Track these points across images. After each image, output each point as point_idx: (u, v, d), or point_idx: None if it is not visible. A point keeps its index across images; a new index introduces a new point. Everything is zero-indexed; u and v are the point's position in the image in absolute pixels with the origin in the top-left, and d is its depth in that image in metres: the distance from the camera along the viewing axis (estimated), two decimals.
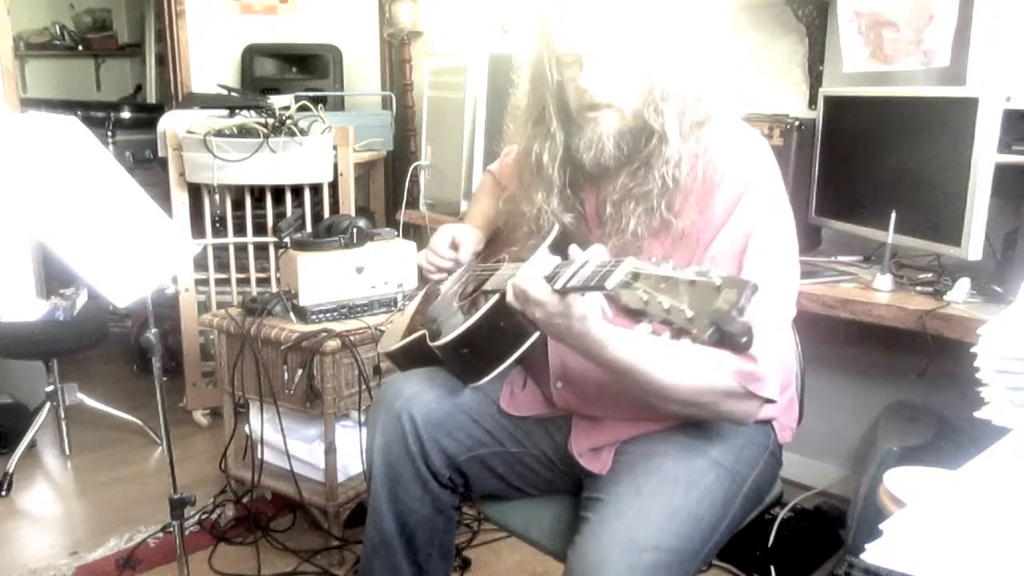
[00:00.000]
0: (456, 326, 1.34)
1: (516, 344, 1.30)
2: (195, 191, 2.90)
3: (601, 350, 1.15)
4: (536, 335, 1.28)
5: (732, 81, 1.34)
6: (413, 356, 1.51)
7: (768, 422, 1.41)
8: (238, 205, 2.92)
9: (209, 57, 3.46)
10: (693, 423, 1.34)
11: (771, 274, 1.22)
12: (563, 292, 1.08)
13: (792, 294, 1.30)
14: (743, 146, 1.28)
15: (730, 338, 0.90)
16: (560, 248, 1.34)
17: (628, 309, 0.97)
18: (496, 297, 1.29)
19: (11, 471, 2.65)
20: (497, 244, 1.57)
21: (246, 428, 2.36)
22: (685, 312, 0.91)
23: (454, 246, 1.53)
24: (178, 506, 1.82)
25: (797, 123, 2.20)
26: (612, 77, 1.23)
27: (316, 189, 2.91)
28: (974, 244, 1.80)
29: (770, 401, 1.23)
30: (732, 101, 1.32)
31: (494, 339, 1.31)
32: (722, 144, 1.26)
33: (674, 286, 0.93)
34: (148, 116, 4.52)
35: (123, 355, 3.72)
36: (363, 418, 2.22)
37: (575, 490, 1.42)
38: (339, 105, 3.51)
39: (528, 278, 1.11)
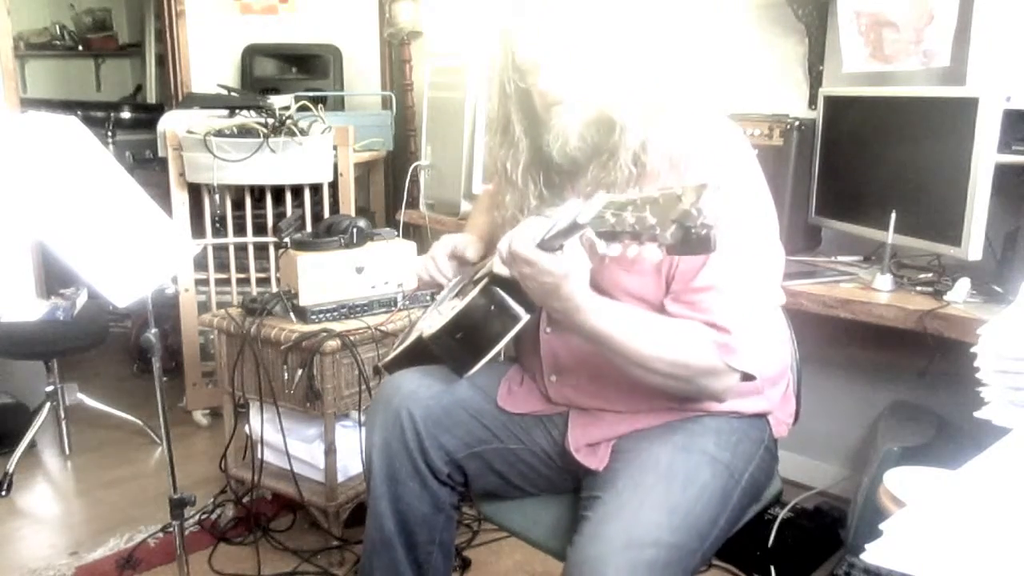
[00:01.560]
0: (448, 314, 1.36)
1: (506, 328, 1.32)
2: (195, 191, 2.90)
3: (586, 317, 1.19)
4: (526, 319, 1.30)
5: (698, 70, 1.37)
6: (408, 362, 1.52)
7: (763, 416, 1.42)
8: (238, 205, 2.92)
9: (209, 57, 3.46)
10: (688, 419, 1.35)
11: (740, 253, 1.24)
12: (544, 246, 1.12)
13: (769, 276, 1.32)
14: (710, 131, 1.31)
15: (693, 235, 0.94)
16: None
17: (599, 234, 1.02)
18: (485, 281, 1.32)
19: (11, 471, 2.65)
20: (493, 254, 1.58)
21: (246, 428, 2.36)
22: (648, 220, 0.96)
23: (454, 255, 1.55)
24: (178, 506, 1.82)
25: (797, 123, 2.20)
26: (569, 76, 1.28)
27: (316, 189, 2.91)
28: (974, 244, 1.80)
29: (749, 377, 1.26)
30: (700, 90, 1.37)
31: (484, 323, 1.33)
32: (689, 129, 1.30)
33: (640, 205, 0.98)
34: (148, 116, 4.52)
35: (123, 355, 3.72)
36: (363, 418, 2.22)
37: (574, 489, 1.42)
38: (339, 105, 3.51)
39: (516, 236, 1.16)
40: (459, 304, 1.35)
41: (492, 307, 1.30)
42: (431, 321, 1.48)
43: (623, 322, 1.22)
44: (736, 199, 1.25)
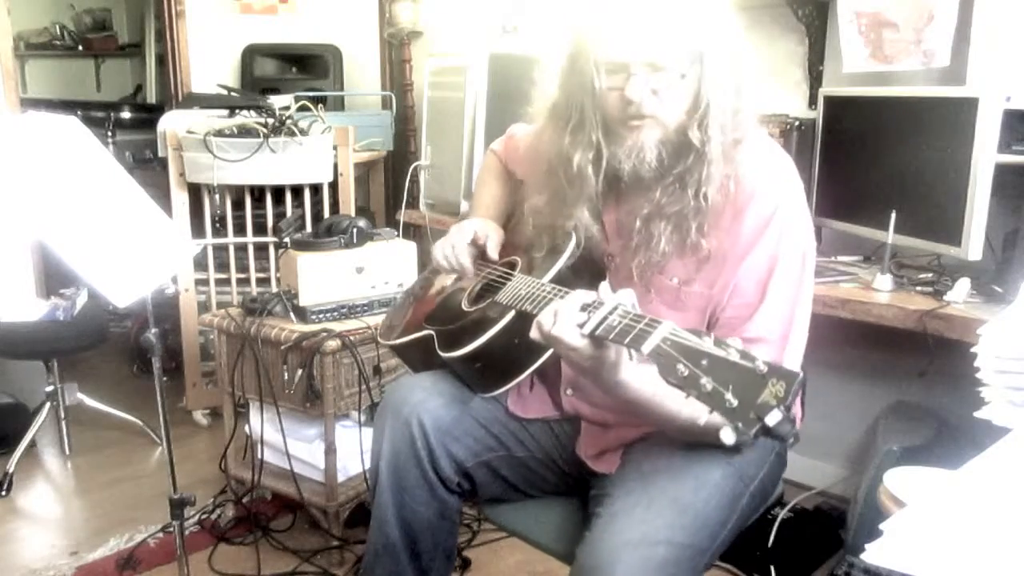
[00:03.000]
0: (468, 338, 1.32)
1: (530, 360, 1.29)
2: (195, 191, 2.90)
3: (624, 391, 1.15)
4: (551, 351, 1.24)
5: (761, 97, 1.32)
6: (418, 354, 1.50)
7: None
8: (238, 205, 2.92)
9: (209, 57, 3.45)
10: None
11: (792, 299, 1.22)
12: (592, 338, 1.06)
13: (809, 314, 1.29)
14: (771, 165, 1.26)
15: (775, 435, 0.86)
16: (575, 266, 1.33)
17: (664, 377, 0.94)
18: (511, 315, 1.27)
19: (11, 471, 2.65)
20: (506, 238, 1.55)
21: (246, 428, 2.36)
22: (729, 400, 0.87)
23: (475, 243, 1.51)
24: (178, 506, 1.82)
25: (797, 123, 2.20)
26: (658, 89, 1.19)
27: (316, 189, 2.91)
28: (974, 244, 1.80)
29: None
30: (753, 113, 1.29)
31: (507, 355, 1.29)
32: (751, 162, 1.24)
33: (716, 365, 0.89)
34: (148, 116, 4.52)
35: (123, 355, 3.72)
36: (363, 418, 2.22)
37: (579, 492, 1.42)
38: (339, 105, 3.51)
39: (559, 323, 1.08)
40: (480, 334, 1.30)
41: (516, 340, 1.24)
42: (445, 315, 1.46)
43: (659, 389, 1.12)
44: (792, 241, 1.22)
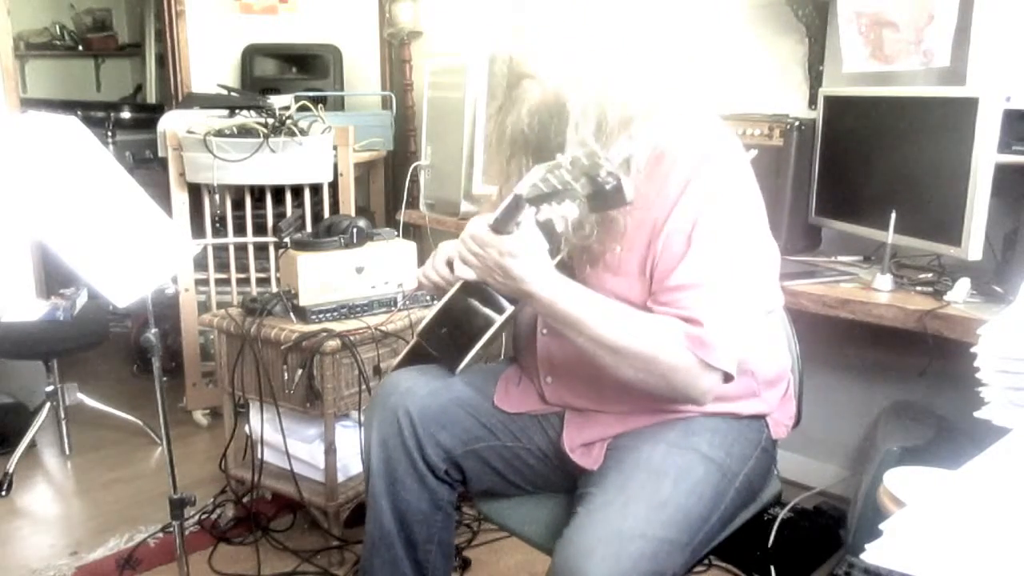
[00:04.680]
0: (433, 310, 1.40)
1: (490, 321, 1.34)
2: (195, 191, 2.90)
3: (551, 299, 1.23)
4: (510, 311, 1.33)
5: (688, 72, 1.38)
6: (413, 363, 1.54)
7: (762, 417, 1.42)
8: (238, 205, 2.92)
9: (209, 57, 3.46)
10: (683, 419, 1.35)
11: (718, 251, 1.24)
12: (496, 227, 1.21)
13: (754, 274, 1.31)
14: (697, 133, 1.30)
15: (600, 184, 1.05)
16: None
17: (532, 199, 1.12)
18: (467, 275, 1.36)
19: (11, 471, 2.65)
20: None
21: (246, 428, 2.36)
22: (565, 177, 1.06)
23: (450, 263, 1.53)
24: (178, 506, 1.82)
25: (797, 123, 2.20)
26: (539, 49, 1.28)
27: (316, 189, 2.91)
28: (974, 244, 1.80)
29: (728, 377, 1.25)
30: (689, 92, 1.35)
31: (468, 315, 1.35)
32: (674, 133, 1.29)
33: (566, 168, 1.07)
34: (148, 116, 4.52)
35: (123, 355, 3.72)
36: (363, 418, 2.22)
37: (571, 488, 1.43)
38: (339, 105, 3.51)
39: (472, 223, 1.25)
40: (446, 298, 1.37)
41: (475, 300, 1.32)
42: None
43: (591, 308, 1.24)
44: (716, 199, 1.25)
